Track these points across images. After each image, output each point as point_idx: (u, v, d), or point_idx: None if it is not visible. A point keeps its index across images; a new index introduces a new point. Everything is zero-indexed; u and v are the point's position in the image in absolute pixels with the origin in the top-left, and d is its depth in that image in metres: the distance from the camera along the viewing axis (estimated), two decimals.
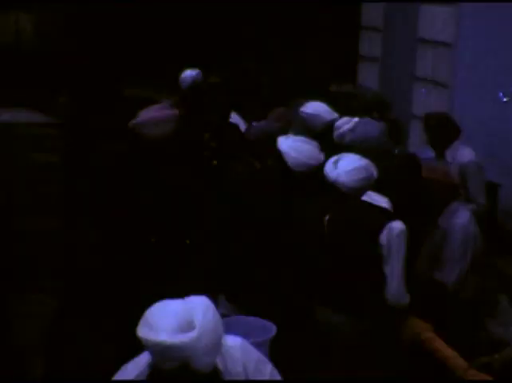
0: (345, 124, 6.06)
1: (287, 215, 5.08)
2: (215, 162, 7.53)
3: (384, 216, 4.42)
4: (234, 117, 7.44)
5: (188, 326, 2.53)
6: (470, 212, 5.28)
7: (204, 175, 7.57)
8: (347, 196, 4.70)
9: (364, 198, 4.61)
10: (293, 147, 5.16)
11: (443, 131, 6.33)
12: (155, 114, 4.95)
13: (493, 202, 8.06)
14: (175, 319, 2.52)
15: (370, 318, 4.49)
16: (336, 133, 6.09)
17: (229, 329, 4.53)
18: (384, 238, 4.36)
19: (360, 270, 4.46)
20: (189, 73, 8.28)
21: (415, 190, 4.88)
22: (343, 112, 6.80)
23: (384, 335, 4.50)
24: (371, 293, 4.42)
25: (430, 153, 6.63)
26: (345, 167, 4.72)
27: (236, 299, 5.22)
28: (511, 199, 8.43)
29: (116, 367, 2.97)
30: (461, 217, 4.84)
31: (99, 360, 4.92)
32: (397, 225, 4.39)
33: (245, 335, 4.42)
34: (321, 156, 5.27)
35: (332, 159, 4.82)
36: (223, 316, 5.17)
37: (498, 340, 6.25)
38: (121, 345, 5.07)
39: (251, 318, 4.68)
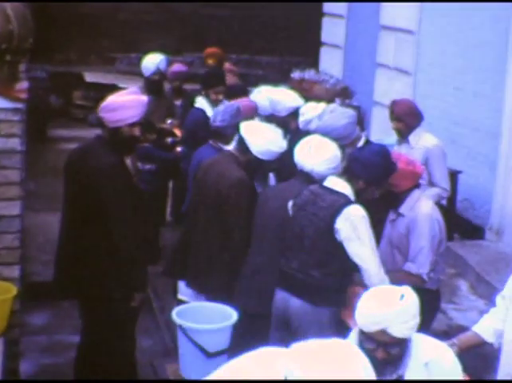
0: (311, 110, 6.08)
1: (251, 200, 5.09)
2: (179, 148, 7.55)
3: (342, 201, 4.43)
4: (200, 102, 7.42)
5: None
6: (432, 200, 5.31)
7: (167, 161, 7.61)
8: (313, 182, 4.72)
9: (327, 183, 4.63)
10: (257, 134, 5.17)
11: (410, 117, 6.40)
12: (125, 99, 4.92)
13: (452, 189, 8.14)
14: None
15: (327, 303, 4.52)
16: (301, 120, 6.10)
17: (189, 315, 4.57)
18: (340, 222, 4.38)
19: (320, 255, 4.47)
20: (152, 60, 8.22)
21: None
22: (306, 98, 6.82)
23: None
24: (329, 277, 4.44)
25: (391, 140, 6.67)
26: (320, 155, 4.74)
27: (197, 285, 5.23)
28: (471, 186, 8.52)
29: None
30: (425, 205, 4.84)
31: None
32: (355, 210, 4.41)
33: (205, 321, 4.46)
34: (285, 144, 5.29)
35: (304, 146, 4.82)
36: (183, 302, 5.23)
37: (457, 325, 6.36)
38: None
39: (212, 304, 4.69)
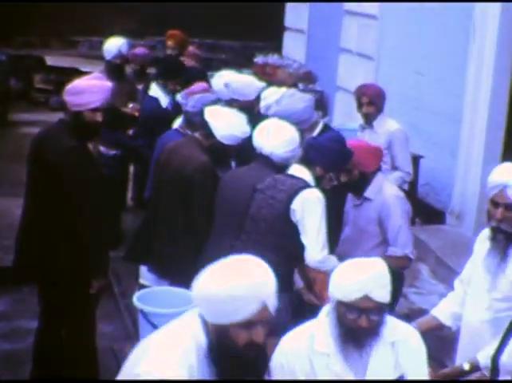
0: (271, 95, 6.06)
1: (214, 184, 5.08)
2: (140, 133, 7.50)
3: (301, 184, 4.45)
4: (155, 89, 7.37)
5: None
6: (395, 184, 5.33)
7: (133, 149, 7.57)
8: (272, 165, 4.72)
9: (291, 171, 4.64)
10: (221, 119, 5.16)
11: (381, 100, 6.45)
12: (89, 83, 4.87)
13: (414, 174, 8.19)
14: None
15: (283, 288, 4.51)
16: (262, 105, 6.08)
17: (151, 300, 4.55)
18: (296, 203, 4.39)
19: (276, 237, 4.47)
20: (114, 43, 8.14)
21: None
22: (269, 83, 6.80)
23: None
24: (285, 261, 4.45)
25: (354, 125, 6.70)
26: (279, 138, 4.73)
27: (159, 269, 5.21)
28: (432, 170, 8.58)
29: None
30: (390, 187, 4.85)
31: None
32: (311, 192, 4.42)
33: (166, 305, 4.44)
34: (248, 129, 5.28)
35: (263, 129, 4.81)
36: (145, 287, 5.20)
37: (418, 309, 6.41)
38: None
39: (173, 288, 4.68)
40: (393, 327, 3.18)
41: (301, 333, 3.21)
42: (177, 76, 7.32)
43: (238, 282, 2.56)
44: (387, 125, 6.41)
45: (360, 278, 2.99)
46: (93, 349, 5.12)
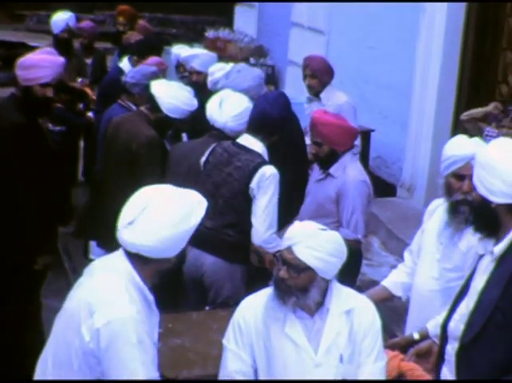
0: (218, 70, 6.02)
1: (161, 158, 5.05)
2: (90, 113, 7.42)
3: (258, 161, 4.44)
4: (125, 63, 7.26)
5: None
6: (358, 161, 5.32)
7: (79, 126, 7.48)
8: (226, 138, 4.70)
9: (240, 141, 4.61)
10: (167, 92, 5.12)
11: (324, 73, 6.41)
12: (40, 58, 4.79)
13: (365, 147, 8.24)
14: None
15: (241, 260, 4.55)
16: (209, 79, 6.05)
17: None
18: (254, 181, 4.39)
19: (234, 214, 4.48)
20: (61, 17, 8.01)
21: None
22: (220, 57, 6.77)
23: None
24: (243, 235, 4.46)
25: (303, 98, 6.69)
26: (232, 111, 4.71)
27: (108, 245, 5.17)
28: (383, 144, 8.63)
29: None
30: (354, 168, 4.80)
31: None
32: (268, 169, 4.42)
33: None
34: (195, 102, 5.25)
35: (215, 102, 4.77)
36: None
37: (369, 280, 6.47)
38: None
39: None
40: (348, 297, 3.20)
41: (259, 297, 3.24)
42: (151, 54, 7.19)
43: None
44: (335, 98, 6.38)
45: (292, 229, 3.11)
46: (39, 325, 5.05)
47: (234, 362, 3.17)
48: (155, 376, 2.75)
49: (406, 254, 4.18)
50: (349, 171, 4.72)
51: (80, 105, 7.62)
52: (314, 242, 3.05)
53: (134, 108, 5.69)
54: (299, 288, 3.10)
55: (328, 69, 6.50)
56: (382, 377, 3.22)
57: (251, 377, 3.18)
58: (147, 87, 5.33)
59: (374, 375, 3.19)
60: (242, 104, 4.77)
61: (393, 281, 4.16)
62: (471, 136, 3.95)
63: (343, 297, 3.18)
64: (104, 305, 2.71)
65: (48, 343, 2.96)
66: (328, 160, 4.75)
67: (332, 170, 4.75)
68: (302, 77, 6.60)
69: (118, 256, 2.88)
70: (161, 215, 2.79)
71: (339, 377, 3.15)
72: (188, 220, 2.85)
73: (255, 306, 3.20)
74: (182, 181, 4.81)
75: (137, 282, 2.82)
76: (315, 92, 6.46)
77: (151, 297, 2.87)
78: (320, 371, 3.11)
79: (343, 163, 4.74)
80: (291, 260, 3.06)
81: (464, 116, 5.96)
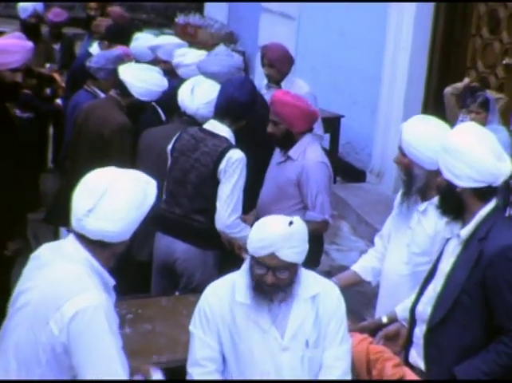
0: (180, 55, 5.97)
1: (133, 144, 5.03)
2: (58, 100, 7.36)
3: (224, 145, 4.43)
4: (94, 48, 7.21)
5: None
6: (319, 144, 5.33)
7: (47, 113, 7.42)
8: (198, 124, 4.68)
9: (207, 126, 4.60)
10: (136, 76, 5.09)
11: (282, 62, 6.30)
12: (9, 43, 4.74)
13: (335, 133, 8.27)
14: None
15: (213, 246, 4.55)
16: (180, 64, 6.01)
17: None
18: (222, 165, 4.38)
19: (203, 200, 4.47)
20: (29, 2, 7.94)
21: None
22: (191, 43, 6.73)
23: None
24: (214, 221, 4.45)
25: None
26: (204, 98, 4.68)
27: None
28: (353, 130, 8.66)
29: None
30: (314, 151, 4.80)
31: None
32: (235, 153, 4.41)
33: None
34: (165, 82, 5.22)
35: (188, 88, 4.75)
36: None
37: (339, 266, 6.51)
38: None
39: None
40: (313, 282, 3.22)
41: (224, 283, 3.24)
42: (124, 40, 7.14)
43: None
44: (296, 87, 6.27)
45: (269, 236, 3.03)
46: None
47: (201, 349, 3.17)
48: (124, 359, 2.72)
49: (376, 239, 4.20)
50: (309, 154, 4.71)
51: (48, 91, 7.56)
52: (293, 241, 3.05)
53: (100, 93, 5.67)
54: (286, 284, 3.11)
55: (287, 58, 6.33)
56: (347, 360, 3.25)
57: (220, 363, 3.19)
58: (112, 71, 5.31)
59: (339, 358, 3.21)
60: (214, 91, 4.72)
61: (363, 266, 4.17)
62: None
63: (309, 282, 3.20)
64: (70, 296, 2.65)
65: (2, 336, 2.84)
66: (284, 141, 4.72)
67: (291, 153, 4.73)
68: (261, 65, 6.52)
69: (71, 243, 2.79)
70: (123, 198, 2.74)
71: (305, 362, 3.17)
72: (145, 201, 2.82)
73: (220, 292, 3.20)
74: (151, 167, 4.80)
75: (96, 268, 2.77)
76: (274, 81, 6.39)
77: (111, 281, 2.84)
78: (287, 355, 3.14)
79: (302, 146, 4.73)
80: (276, 264, 3.05)
81: (449, 89, 6.07)
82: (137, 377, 2.99)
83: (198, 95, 4.73)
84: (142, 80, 5.07)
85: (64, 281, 2.71)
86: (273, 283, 3.07)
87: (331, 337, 3.20)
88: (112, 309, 2.73)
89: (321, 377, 3.21)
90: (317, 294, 3.20)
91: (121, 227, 2.74)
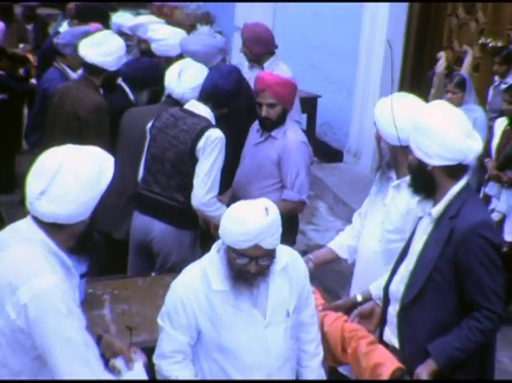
0: (167, 36, 5.93)
1: (110, 123, 5.01)
2: (33, 80, 7.31)
3: (204, 124, 4.43)
4: (65, 28, 7.15)
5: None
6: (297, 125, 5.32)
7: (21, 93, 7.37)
8: (175, 104, 4.67)
9: (188, 106, 4.59)
10: (95, 51, 5.05)
11: (253, 43, 6.22)
12: None
13: (312, 113, 8.28)
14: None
15: (190, 226, 4.56)
16: (159, 44, 5.98)
17: None
18: (200, 143, 4.38)
19: (182, 178, 4.46)
20: None
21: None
22: (167, 23, 6.70)
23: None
24: (188, 199, 4.45)
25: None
26: (191, 82, 4.67)
27: None
28: (330, 110, 8.67)
29: None
30: (294, 131, 4.79)
31: None
32: (214, 132, 4.41)
33: None
34: (120, 41, 5.19)
35: (175, 71, 4.71)
36: None
37: (316, 245, 6.53)
38: None
39: None
40: (282, 253, 3.23)
41: (194, 274, 3.20)
42: (94, 19, 7.08)
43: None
44: (279, 71, 6.21)
45: (251, 230, 3.00)
46: None
47: (169, 343, 3.17)
48: (89, 339, 2.69)
49: (355, 217, 4.18)
50: (290, 134, 4.74)
51: (21, 71, 7.50)
52: (273, 230, 3.04)
53: (68, 70, 5.66)
54: (267, 267, 3.12)
55: (259, 40, 6.18)
56: (316, 315, 3.39)
57: (188, 353, 3.19)
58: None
59: (314, 315, 3.36)
60: (202, 76, 4.72)
61: (339, 243, 4.18)
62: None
63: (278, 254, 3.20)
64: (25, 279, 2.60)
65: None
66: (278, 122, 4.74)
67: (273, 132, 4.76)
68: None
69: (28, 225, 2.74)
70: (74, 180, 2.67)
71: (288, 331, 3.21)
72: (100, 180, 2.75)
73: (193, 284, 3.17)
74: (135, 146, 4.80)
75: (53, 249, 2.71)
76: (251, 60, 6.34)
77: (69, 262, 2.78)
78: (270, 331, 3.16)
79: (284, 126, 4.77)
80: (259, 254, 3.05)
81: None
82: (118, 361, 2.98)
83: (185, 79, 4.71)
84: (107, 51, 5.05)
85: (18, 264, 2.66)
86: (257, 271, 3.07)
87: (305, 300, 3.30)
88: (70, 290, 2.69)
89: (303, 335, 3.33)
90: (287, 264, 3.22)
91: (73, 210, 2.67)
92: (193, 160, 4.45)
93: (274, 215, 3.07)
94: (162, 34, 5.67)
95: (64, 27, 6.93)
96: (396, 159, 3.73)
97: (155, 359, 3.19)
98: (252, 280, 3.10)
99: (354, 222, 4.18)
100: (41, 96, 5.74)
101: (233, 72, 4.77)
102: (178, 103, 4.72)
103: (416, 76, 7.06)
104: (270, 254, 3.09)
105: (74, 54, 5.44)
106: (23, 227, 2.75)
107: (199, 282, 3.15)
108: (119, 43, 5.15)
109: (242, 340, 3.14)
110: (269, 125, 4.75)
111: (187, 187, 4.48)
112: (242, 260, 3.05)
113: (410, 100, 3.73)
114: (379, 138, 3.79)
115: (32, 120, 6.10)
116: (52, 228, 2.71)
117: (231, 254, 3.08)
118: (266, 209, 3.06)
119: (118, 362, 2.98)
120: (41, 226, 2.71)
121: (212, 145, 4.39)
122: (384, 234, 3.81)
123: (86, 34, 5.60)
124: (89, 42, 5.14)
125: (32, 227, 2.72)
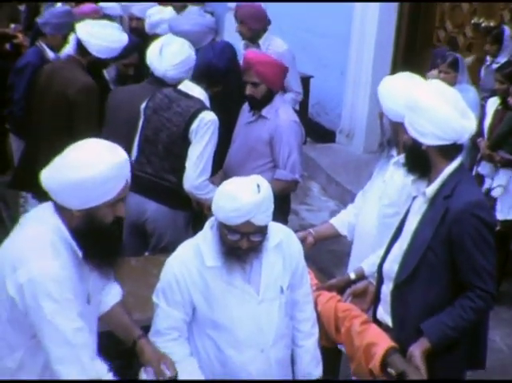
0: (157, 13, 5.93)
1: (98, 103, 4.99)
2: (23, 49, 7.24)
3: (197, 106, 4.42)
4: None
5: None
6: (289, 104, 5.32)
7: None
8: (165, 85, 4.65)
9: (182, 87, 4.57)
10: (92, 34, 5.01)
11: (252, 19, 6.30)
12: None
13: (305, 94, 8.25)
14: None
15: (183, 207, 4.56)
16: (146, 22, 5.96)
17: None
18: (194, 125, 4.37)
19: (174, 160, 4.46)
20: None
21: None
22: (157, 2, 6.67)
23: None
24: (181, 181, 4.46)
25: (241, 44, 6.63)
26: (172, 59, 4.60)
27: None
28: (322, 90, 8.66)
29: None
30: (286, 111, 4.78)
31: None
32: (208, 115, 4.40)
33: None
34: (124, 37, 5.14)
35: (156, 48, 4.67)
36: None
37: (309, 225, 6.54)
38: None
39: None
40: (274, 230, 3.24)
41: (187, 250, 3.21)
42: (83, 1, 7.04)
43: (108, 163, 2.70)
44: (275, 46, 6.31)
45: (243, 206, 3.00)
46: None
47: (164, 320, 3.19)
48: (81, 326, 2.71)
49: (358, 195, 4.17)
50: (282, 114, 4.72)
51: (7, 46, 7.42)
52: (265, 205, 3.05)
53: (47, 49, 5.66)
54: (259, 244, 3.13)
55: (257, 16, 6.31)
56: (311, 294, 3.40)
57: (184, 331, 3.21)
58: (57, 27, 5.35)
59: (308, 293, 3.37)
60: (183, 53, 4.65)
61: (340, 219, 4.18)
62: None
63: (271, 232, 3.22)
64: (26, 261, 2.64)
65: None
66: (263, 102, 4.72)
67: (264, 112, 4.74)
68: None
69: (47, 208, 2.80)
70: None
71: (282, 308, 3.23)
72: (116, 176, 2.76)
73: (186, 260, 3.18)
74: (121, 126, 4.78)
75: (64, 235, 2.74)
76: (248, 38, 6.37)
77: (79, 252, 2.78)
78: (264, 307, 3.17)
79: (275, 105, 4.74)
80: (251, 230, 3.06)
81: None
82: (144, 372, 3.04)
83: (167, 56, 4.64)
84: (98, 37, 4.98)
85: (25, 245, 2.70)
86: (248, 247, 3.08)
87: (299, 277, 3.30)
88: (72, 278, 2.72)
89: (298, 313, 3.33)
90: (281, 241, 3.23)
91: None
92: (186, 143, 4.44)
93: (266, 191, 3.07)
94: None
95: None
96: (397, 136, 3.73)
97: (151, 337, 3.20)
98: (244, 256, 3.11)
99: (357, 200, 4.19)
100: (14, 72, 5.72)
101: (226, 49, 4.75)
102: (161, 81, 4.68)
103: (409, 55, 7.05)
104: (262, 231, 3.09)
105: (53, 33, 5.43)
106: (43, 209, 2.81)
107: (193, 258, 3.16)
108: (120, 36, 5.10)
109: (235, 316, 3.15)
110: (255, 104, 4.73)
111: (180, 169, 4.48)
112: (233, 236, 3.06)
113: (417, 80, 3.72)
114: (381, 115, 3.79)
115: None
116: (66, 213, 2.74)
117: (223, 230, 3.09)
118: (258, 186, 3.06)
119: (143, 374, 3.05)
120: (57, 209, 2.75)
121: (205, 128, 4.38)
122: (380, 209, 3.81)
123: (66, 13, 5.59)
124: (90, 24, 5.10)
125: (49, 210, 2.77)
